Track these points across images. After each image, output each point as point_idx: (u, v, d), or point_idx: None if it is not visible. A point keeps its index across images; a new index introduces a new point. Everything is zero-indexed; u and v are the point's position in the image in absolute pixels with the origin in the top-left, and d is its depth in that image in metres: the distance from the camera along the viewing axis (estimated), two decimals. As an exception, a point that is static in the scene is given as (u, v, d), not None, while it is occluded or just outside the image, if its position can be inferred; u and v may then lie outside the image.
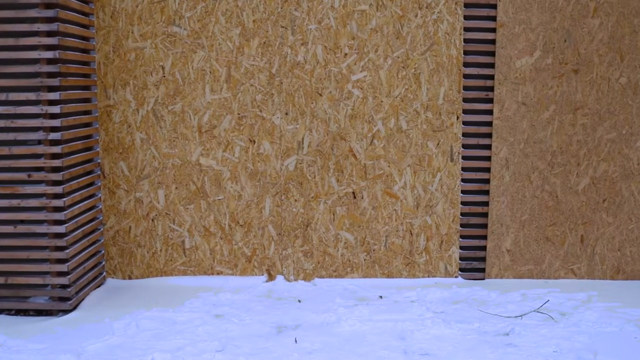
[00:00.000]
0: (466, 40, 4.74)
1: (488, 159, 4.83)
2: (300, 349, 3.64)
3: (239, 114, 4.76)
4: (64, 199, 4.13)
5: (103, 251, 4.80)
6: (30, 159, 4.10)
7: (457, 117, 4.79)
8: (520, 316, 4.16)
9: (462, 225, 4.93)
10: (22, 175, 4.10)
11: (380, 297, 4.59)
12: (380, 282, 4.85)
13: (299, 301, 4.52)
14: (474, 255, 4.96)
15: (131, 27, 4.66)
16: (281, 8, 4.66)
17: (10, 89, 4.06)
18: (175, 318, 4.10)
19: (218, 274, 4.91)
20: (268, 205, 4.85)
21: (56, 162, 4.09)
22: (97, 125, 4.69)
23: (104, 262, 4.82)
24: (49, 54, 4.01)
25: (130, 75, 4.71)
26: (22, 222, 4.18)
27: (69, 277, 4.19)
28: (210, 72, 4.71)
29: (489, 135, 4.83)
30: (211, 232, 4.87)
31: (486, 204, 4.89)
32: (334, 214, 4.87)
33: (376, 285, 4.80)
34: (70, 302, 4.22)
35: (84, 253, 4.42)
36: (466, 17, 4.71)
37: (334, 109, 4.76)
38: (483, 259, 4.96)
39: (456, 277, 4.96)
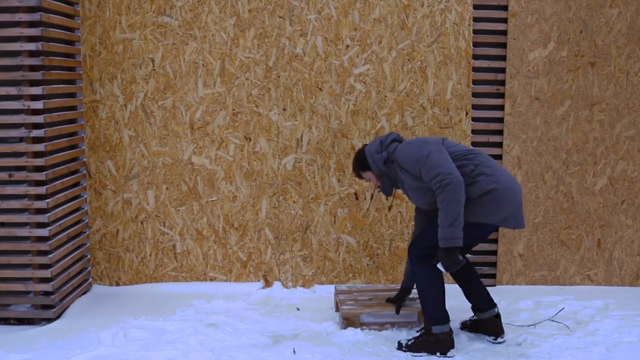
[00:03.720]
0: (476, 31, 4.74)
1: (499, 157, 4.82)
2: (299, 360, 3.65)
3: (233, 109, 4.75)
4: (48, 200, 4.13)
5: (89, 256, 4.80)
6: (12, 158, 4.09)
7: (466, 113, 4.79)
8: (533, 325, 4.16)
9: (471, 228, 4.93)
10: (3, 175, 4.10)
11: (384, 304, 4.59)
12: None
13: (298, 309, 4.52)
14: (484, 260, 4.96)
15: (119, 17, 4.66)
16: (279, -3, 4.66)
17: (-10, 83, 4.07)
18: (166, 327, 4.10)
19: (211, 280, 4.91)
20: (265, 207, 4.84)
21: (39, 161, 4.08)
22: (83, 122, 4.69)
23: (89, 268, 4.82)
24: (31, 46, 4.00)
25: (117, 69, 4.70)
26: (2, 224, 4.18)
27: (52, 283, 4.19)
28: (203, 65, 4.71)
29: (500, 133, 4.83)
30: (204, 236, 4.87)
31: (497, 205, 4.88)
32: (334, 216, 4.87)
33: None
34: (53, 310, 4.22)
35: (68, 258, 4.42)
36: (475, 7, 4.71)
37: (334, 105, 4.76)
38: (494, 264, 4.96)
39: (465, 283, 4.96)
